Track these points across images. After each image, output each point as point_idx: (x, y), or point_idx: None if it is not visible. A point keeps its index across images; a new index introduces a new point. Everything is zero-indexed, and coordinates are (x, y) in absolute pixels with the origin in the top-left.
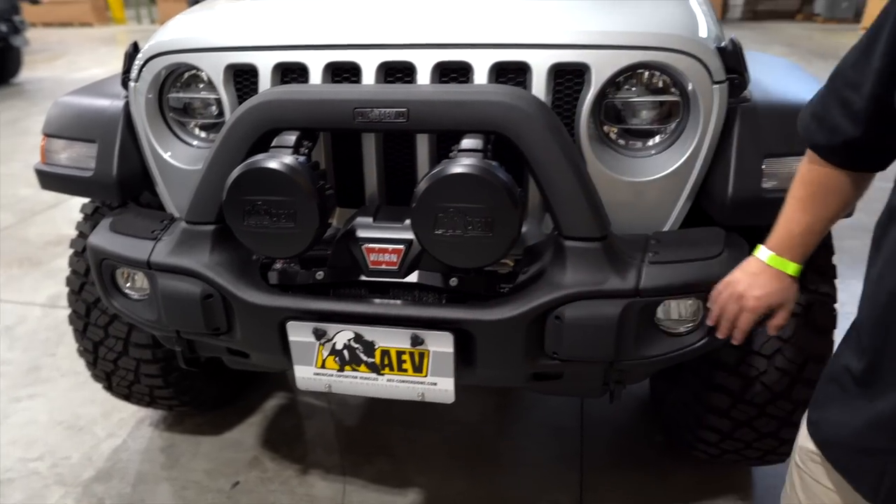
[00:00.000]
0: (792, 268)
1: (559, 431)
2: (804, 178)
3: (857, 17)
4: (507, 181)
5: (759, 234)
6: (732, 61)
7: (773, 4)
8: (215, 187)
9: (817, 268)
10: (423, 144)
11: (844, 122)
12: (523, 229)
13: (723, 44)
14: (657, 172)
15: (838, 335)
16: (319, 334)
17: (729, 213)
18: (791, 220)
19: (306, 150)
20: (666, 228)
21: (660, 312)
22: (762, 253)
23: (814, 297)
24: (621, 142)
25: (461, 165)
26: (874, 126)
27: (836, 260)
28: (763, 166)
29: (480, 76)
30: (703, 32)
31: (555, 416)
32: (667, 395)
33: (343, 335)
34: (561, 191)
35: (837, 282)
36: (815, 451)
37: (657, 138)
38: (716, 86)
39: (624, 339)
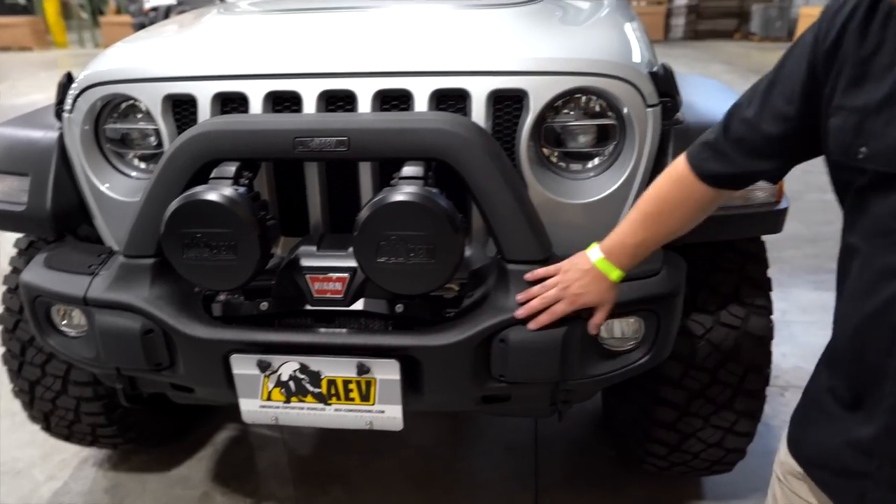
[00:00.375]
0: (616, 274)
1: (514, 450)
2: (659, 194)
3: (789, 35)
4: (448, 208)
5: (693, 251)
6: (664, 85)
7: (712, 24)
8: (154, 220)
9: (753, 281)
10: (366, 172)
11: (743, 158)
12: (468, 253)
13: (655, 68)
14: (597, 194)
15: (787, 343)
16: (264, 366)
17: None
18: (629, 231)
19: (247, 181)
20: None
21: (603, 331)
22: (593, 253)
23: (750, 309)
24: (562, 164)
25: (401, 193)
26: (765, 159)
27: (776, 270)
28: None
29: (421, 103)
30: (636, 58)
31: (509, 435)
32: (617, 410)
33: (288, 366)
34: (502, 215)
35: (779, 291)
36: (796, 468)
37: (596, 160)
38: (649, 109)
39: (568, 360)
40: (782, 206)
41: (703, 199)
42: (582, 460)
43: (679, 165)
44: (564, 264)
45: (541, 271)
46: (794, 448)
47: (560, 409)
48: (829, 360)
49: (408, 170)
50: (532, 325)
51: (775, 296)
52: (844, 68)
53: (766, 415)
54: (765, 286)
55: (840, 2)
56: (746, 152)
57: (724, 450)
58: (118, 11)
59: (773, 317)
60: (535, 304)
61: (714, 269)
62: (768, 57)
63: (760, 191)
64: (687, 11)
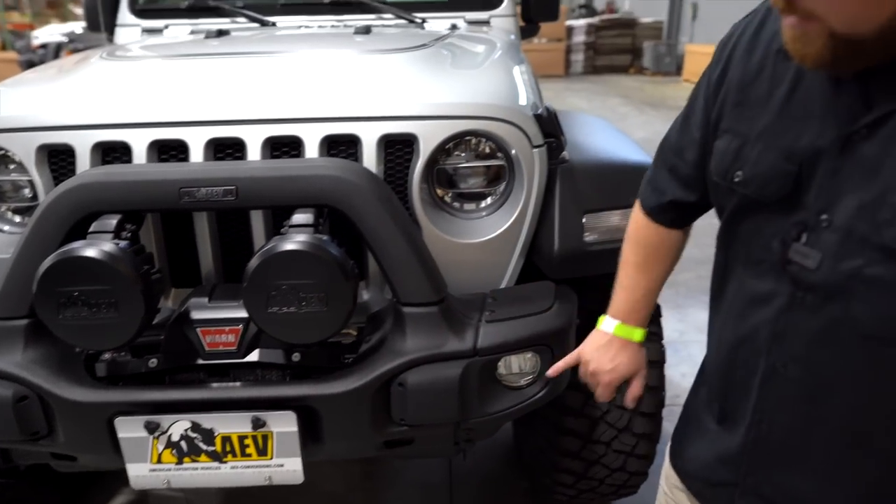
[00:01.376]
0: (638, 334)
1: (429, 488)
2: (637, 242)
3: (678, 70)
4: (339, 255)
5: (586, 285)
6: (549, 127)
7: (608, 60)
8: (26, 278)
9: None
10: (258, 220)
11: (672, 186)
12: (366, 297)
13: (540, 111)
14: (490, 233)
15: (685, 363)
16: (152, 427)
17: (557, 267)
18: (630, 286)
19: (129, 234)
20: (503, 285)
21: (501, 368)
22: (607, 324)
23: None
24: (456, 205)
25: (291, 242)
26: (701, 189)
27: (673, 293)
28: (584, 221)
29: (312, 150)
30: (522, 101)
31: (424, 473)
32: (526, 442)
33: (179, 425)
34: (395, 259)
35: (677, 312)
36: (678, 480)
37: (489, 200)
38: (535, 150)
39: (468, 399)
40: None
41: (665, 237)
42: (495, 493)
43: (635, 210)
44: (583, 351)
45: (561, 365)
46: (675, 461)
47: (464, 448)
48: (704, 376)
49: (298, 217)
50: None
51: (674, 317)
52: (729, 95)
53: (669, 434)
54: (656, 313)
55: (730, 32)
56: (677, 181)
57: (627, 473)
58: (3, 47)
59: (672, 337)
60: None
61: (607, 299)
62: (660, 90)
63: None
64: (585, 48)
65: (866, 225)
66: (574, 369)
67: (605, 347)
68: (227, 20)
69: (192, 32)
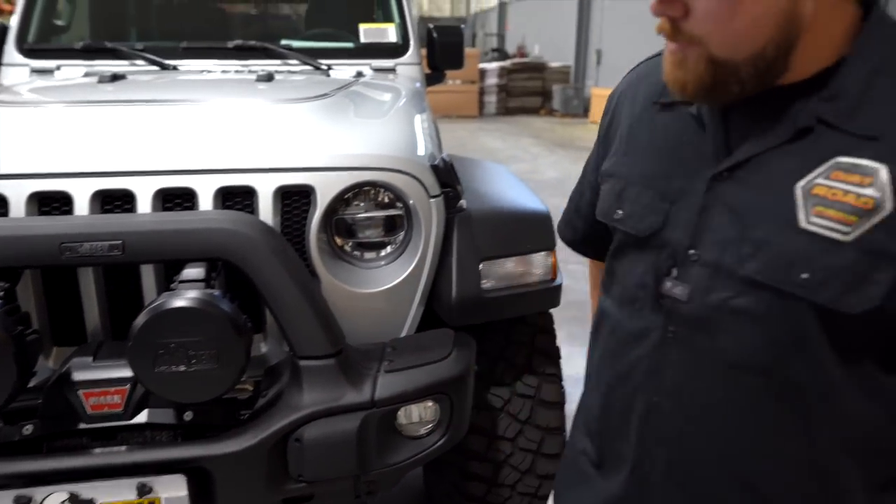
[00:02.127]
0: None
1: None
2: (592, 280)
3: (585, 112)
4: (231, 311)
5: (485, 331)
6: (445, 177)
7: (520, 102)
8: None
9: (543, 352)
10: (148, 274)
11: (581, 223)
12: (264, 349)
13: (437, 161)
14: (390, 282)
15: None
16: (23, 502)
17: (456, 315)
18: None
19: (2, 292)
20: (403, 334)
21: (401, 417)
22: None
23: (543, 378)
24: (356, 254)
25: (180, 298)
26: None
27: (583, 330)
28: (480, 268)
29: (206, 202)
30: (420, 151)
31: None
32: (434, 487)
33: (54, 498)
34: (290, 312)
35: (580, 352)
36: None
37: (388, 248)
38: (432, 200)
39: (366, 451)
40: (557, 282)
41: (597, 267)
42: None
43: None
44: None
45: None
46: None
47: (366, 502)
48: (581, 420)
49: (189, 272)
50: None
51: (579, 357)
52: (616, 143)
53: None
54: (554, 355)
55: (617, 86)
56: (583, 219)
57: None
58: None
59: (581, 374)
60: None
61: (509, 343)
62: (569, 131)
63: (538, 269)
64: (498, 90)
65: (731, 259)
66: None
67: None
68: (125, 62)
69: (87, 74)
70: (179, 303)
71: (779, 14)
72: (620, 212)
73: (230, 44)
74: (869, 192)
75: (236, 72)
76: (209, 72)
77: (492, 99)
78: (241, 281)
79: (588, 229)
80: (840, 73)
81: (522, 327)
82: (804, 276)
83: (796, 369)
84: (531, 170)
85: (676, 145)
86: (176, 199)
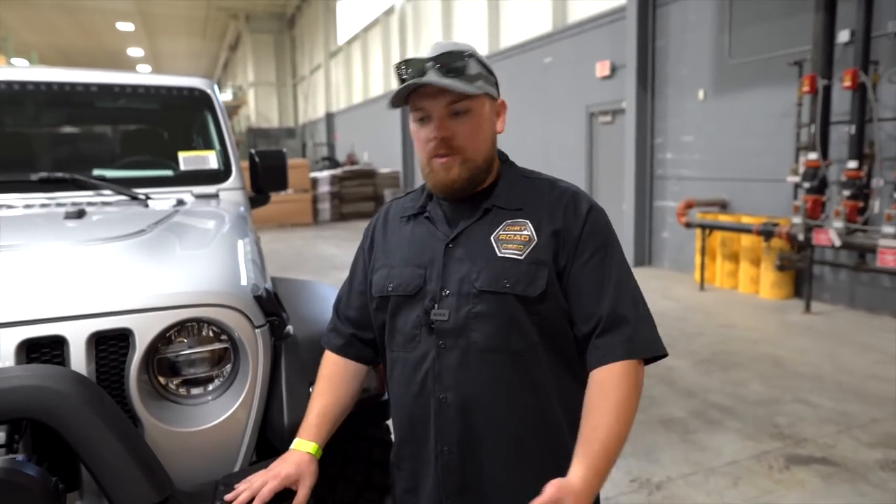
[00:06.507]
0: (312, 447)
1: None
2: (322, 372)
3: None
4: (37, 475)
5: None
6: (269, 306)
7: (354, 207)
8: None
9: (382, 464)
10: None
11: (349, 328)
12: None
13: (260, 291)
14: (219, 417)
15: None
16: None
17: (288, 441)
18: (309, 408)
19: None
20: (237, 468)
21: None
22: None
23: (383, 492)
24: (181, 392)
25: None
26: (366, 326)
27: None
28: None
29: (7, 356)
30: (243, 282)
31: None
32: None
33: None
34: (109, 466)
35: None
36: None
37: (216, 382)
38: (258, 330)
39: None
40: (385, 397)
41: (348, 368)
42: None
43: (326, 353)
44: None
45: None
46: None
47: None
48: (393, 459)
49: None
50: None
51: None
52: (378, 252)
53: None
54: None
55: (370, 220)
56: (350, 323)
57: None
58: None
59: None
60: (243, 498)
61: (347, 461)
62: None
63: (368, 384)
64: (331, 197)
65: (467, 286)
66: None
67: (281, 458)
68: None
69: None
70: None
71: (491, 139)
72: (391, 285)
73: (34, 176)
74: (526, 232)
75: (42, 206)
76: (10, 207)
77: (325, 206)
78: (50, 437)
79: (356, 330)
80: (498, 185)
81: (359, 442)
82: (506, 282)
83: (516, 342)
84: None
85: (421, 235)
86: None
